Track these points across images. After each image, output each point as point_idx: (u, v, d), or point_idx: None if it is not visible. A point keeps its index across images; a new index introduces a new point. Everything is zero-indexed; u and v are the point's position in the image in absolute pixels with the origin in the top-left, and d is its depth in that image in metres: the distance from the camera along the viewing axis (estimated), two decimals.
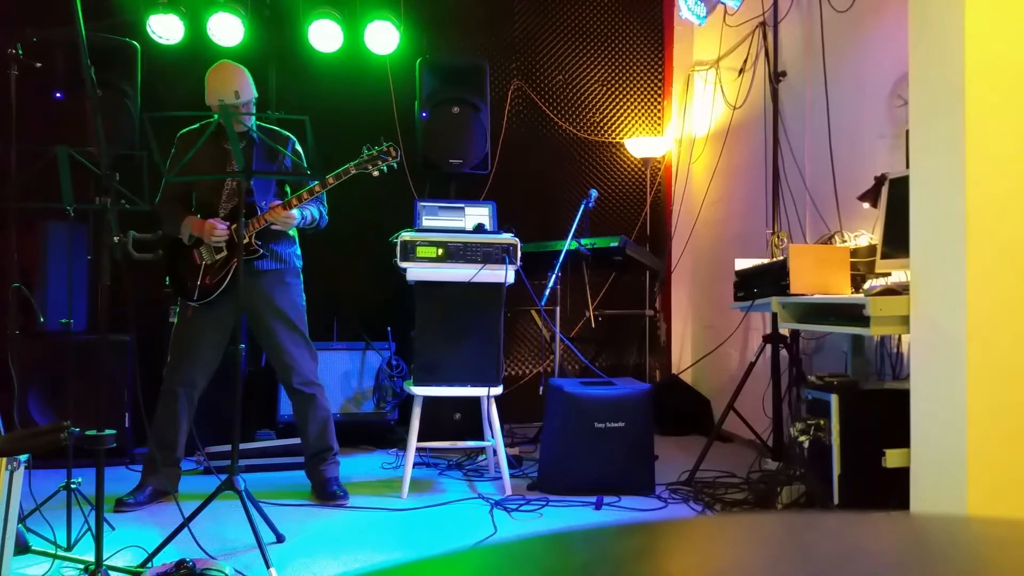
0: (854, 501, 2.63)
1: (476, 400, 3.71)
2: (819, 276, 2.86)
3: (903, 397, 2.33)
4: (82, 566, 2.43)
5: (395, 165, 3.27)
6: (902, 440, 2.32)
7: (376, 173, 3.25)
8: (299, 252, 3.45)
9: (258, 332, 3.37)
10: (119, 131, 4.04)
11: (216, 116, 3.03)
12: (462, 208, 4.02)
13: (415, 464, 3.55)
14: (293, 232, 3.42)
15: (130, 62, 4.20)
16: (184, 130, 3.29)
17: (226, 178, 3.26)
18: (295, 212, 3.22)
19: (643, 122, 5.52)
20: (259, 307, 3.30)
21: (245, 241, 3.17)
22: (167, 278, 3.35)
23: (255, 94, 3.35)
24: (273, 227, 3.26)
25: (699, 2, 4.54)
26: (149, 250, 3.44)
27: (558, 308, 4.38)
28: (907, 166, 2.64)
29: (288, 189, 3.39)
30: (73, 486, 2.69)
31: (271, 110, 4.41)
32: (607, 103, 5.47)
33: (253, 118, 3.33)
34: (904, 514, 0.53)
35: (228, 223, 3.23)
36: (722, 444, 4.32)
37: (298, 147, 3.37)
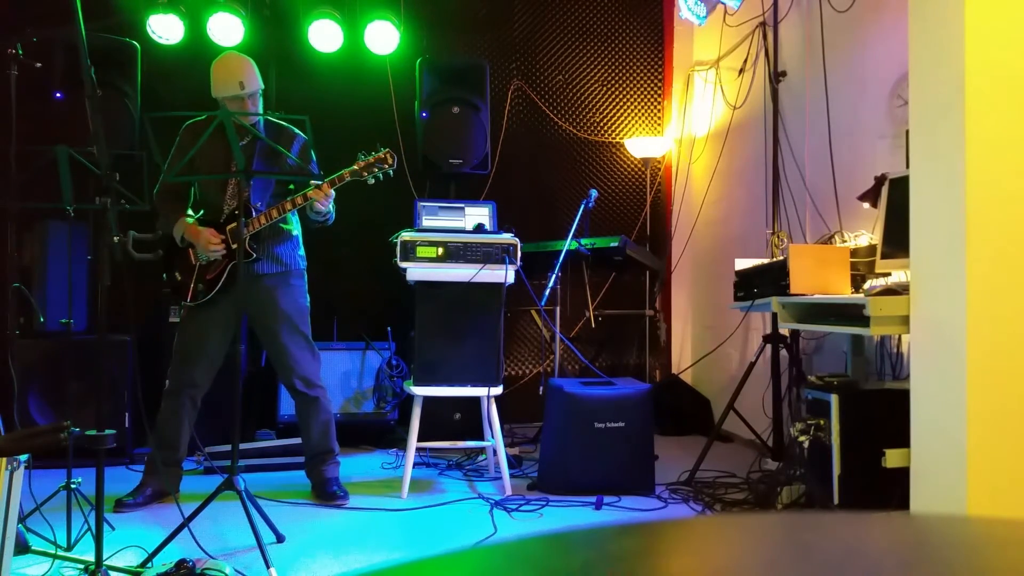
0: (854, 501, 2.63)
1: (476, 400, 3.71)
2: (819, 276, 2.86)
3: (903, 397, 2.33)
4: (82, 566, 2.43)
5: (391, 172, 3.25)
6: (902, 440, 2.32)
7: (372, 180, 3.23)
8: (303, 253, 3.44)
9: (261, 334, 3.36)
10: (119, 131, 4.04)
11: (223, 109, 3.01)
12: (462, 208, 4.02)
13: (415, 464, 3.55)
14: (297, 232, 3.41)
15: (130, 62, 4.20)
16: (191, 120, 3.25)
17: (225, 178, 3.25)
18: (332, 191, 3.19)
19: (643, 122, 5.52)
20: (262, 309, 3.29)
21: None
22: (164, 276, 3.34)
23: (262, 85, 3.33)
24: (313, 215, 3.24)
25: (699, 2, 4.54)
26: (149, 250, 3.44)
27: (558, 308, 4.38)
28: (907, 166, 2.64)
29: (292, 188, 3.38)
30: (73, 486, 2.69)
31: (271, 110, 4.41)
32: (607, 103, 5.47)
33: (260, 109, 3.32)
34: (904, 514, 0.53)
35: (224, 236, 3.20)
36: (722, 444, 4.33)
37: (308, 145, 3.36)
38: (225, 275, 3.20)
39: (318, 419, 3.36)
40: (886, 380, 3.18)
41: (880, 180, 2.99)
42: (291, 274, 3.35)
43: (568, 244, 4.04)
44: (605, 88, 5.46)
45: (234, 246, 3.15)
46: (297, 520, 3.07)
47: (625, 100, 5.51)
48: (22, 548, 2.47)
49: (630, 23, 5.51)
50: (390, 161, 3.22)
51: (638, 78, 5.53)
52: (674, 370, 5.46)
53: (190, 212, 3.32)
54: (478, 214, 3.97)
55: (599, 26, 5.46)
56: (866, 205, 3.21)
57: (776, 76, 4.07)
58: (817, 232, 3.78)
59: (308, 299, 3.41)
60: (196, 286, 3.22)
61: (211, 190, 3.29)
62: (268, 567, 2.44)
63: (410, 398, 3.48)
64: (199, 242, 3.18)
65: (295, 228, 3.41)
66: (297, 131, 3.35)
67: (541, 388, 3.81)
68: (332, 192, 3.19)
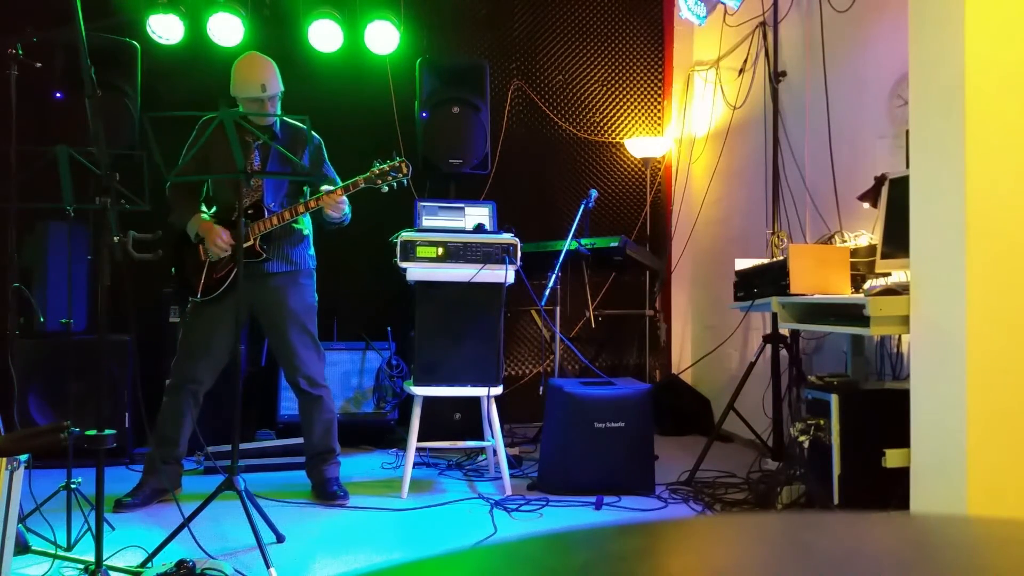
0: (854, 501, 2.63)
1: (476, 400, 3.71)
2: (819, 276, 2.86)
3: (903, 397, 2.33)
4: (82, 566, 2.43)
5: (405, 182, 3.27)
6: (902, 440, 2.32)
7: (385, 189, 3.25)
8: (313, 252, 3.45)
9: (268, 331, 3.38)
10: (119, 131, 4.04)
11: (240, 108, 3.01)
12: (462, 208, 4.02)
13: (415, 464, 3.55)
14: (308, 232, 3.42)
15: (130, 62, 4.20)
16: (206, 116, 3.25)
17: (230, 178, 3.24)
18: (345, 197, 3.21)
19: (643, 122, 5.52)
20: (271, 308, 3.30)
21: (249, 244, 3.17)
22: (173, 269, 3.36)
23: (282, 88, 3.35)
24: (328, 217, 3.25)
25: (699, 2, 4.54)
26: (149, 250, 3.44)
27: (558, 308, 4.38)
28: (907, 166, 2.64)
29: (307, 189, 3.38)
30: (73, 486, 2.69)
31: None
32: (607, 103, 5.47)
33: (279, 111, 3.32)
34: (904, 514, 0.53)
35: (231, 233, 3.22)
36: (722, 444, 4.33)
37: (324, 152, 3.39)
38: (233, 272, 3.21)
39: (320, 418, 3.37)
40: (886, 380, 3.18)
41: (880, 180, 2.99)
42: (300, 273, 3.36)
43: (568, 244, 4.04)
44: (605, 88, 5.46)
45: (246, 244, 3.15)
46: (297, 520, 3.07)
47: (625, 100, 5.51)
48: (22, 548, 2.47)
49: (630, 23, 5.51)
50: (404, 171, 3.25)
51: (638, 78, 5.53)
52: (674, 370, 5.46)
53: (203, 208, 3.33)
54: (478, 214, 3.97)
55: (599, 26, 5.45)
56: (866, 205, 3.21)
57: (776, 76, 4.07)
58: (817, 232, 3.78)
59: (316, 298, 3.42)
60: (206, 282, 3.23)
61: (224, 188, 3.30)
62: (268, 567, 2.44)
63: (410, 398, 3.48)
64: (210, 238, 3.19)
65: (306, 228, 3.42)
66: (308, 128, 3.32)
67: (541, 388, 3.81)
68: (344, 198, 3.20)
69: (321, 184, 3.28)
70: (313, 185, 3.32)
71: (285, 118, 3.38)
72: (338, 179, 3.38)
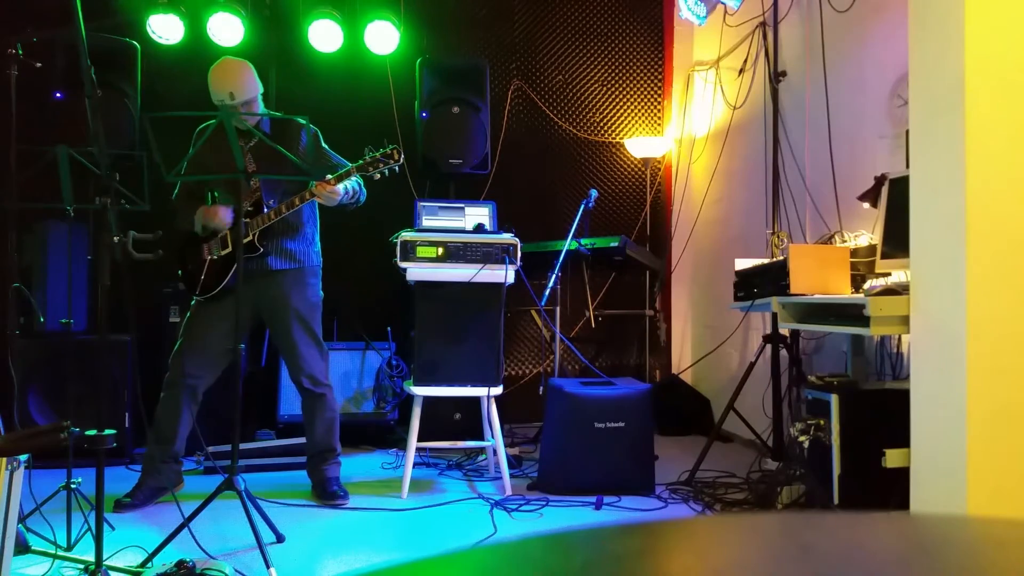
0: (854, 501, 2.63)
1: (476, 400, 3.71)
2: (819, 276, 2.86)
3: (903, 397, 2.33)
4: (82, 566, 2.43)
5: (397, 169, 3.24)
6: (902, 440, 2.32)
7: (378, 176, 3.23)
8: (318, 250, 3.44)
9: (273, 329, 3.39)
10: (119, 131, 4.04)
11: (224, 111, 3.02)
12: (462, 208, 4.02)
13: (415, 464, 3.55)
14: (312, 228, 3.41)
15: (130, 62, 4.20)
16: (202, 125, 3.22)
17: (225, 178, 3.24)
18: (339, 187, 3.18)
19: (643, 122, 5.52)
20: (276, 305, 3.30)
21: (248, 240, 3.17)
22: (180, 272, 3.38)
23: (260, 89, 3.33)
24: (332, 204, 3.25)
25: (699, 2, 4.54)
26: (149, 250, 3.44)
27: (558, 308, 4.38)
28: (907, 166, 2.64)
29: (313, 184, 3.38)
30: (73, 486, 2.69)
31: (271, 110, 4.41)
32: (607, 103, 5.47)
33: (261, 110, 3.32)
34: (904, 514, 0.53)
35: (232, 211, 3.23)
36: (722, 444, 4.33)
37: (321, 140, 3.39)
38: (232, 271, 3.21)
39: (323, 416, 3.37)
40: (886, 380, 3.18)
41: (880, 180, 2.99)
42: (305, 271, 3.36)
43: (568, 244, 4.04)
44: (605, 88, 5.46)
45: (245, 240, 3.14)
46: (297, 520, 3.07)
47: (625, 100, 5.51)
48: (22, 548, 2.47)
49: (630, 23, 5.51)
50: (396, 158, 3.19)
51: (638, 78, 5.53)
52: (674, 370, 5.46)
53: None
54: (478, 214, 3.97)
55: (599, 26, 5.46)
56: (866, 205, 3.21)
57: (776, 76, 4.07)
58: (817, 232, 3.78)
59: (321, 296, 3.42)
60: (206, 280, 3.24)
61: (227, 191, 3.30)
62: (268, 567, 2.44)
63: (410, 398, 3.48)
64: (209, 217, 3.21)
65: (310, 224, 3.40)
66: (304, 122, 3.31)
67: (541, 388, 3.81)
68: (340, 188, 3.18)
69: (322, 175, 3.27)
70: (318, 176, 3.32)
71: (273, 114, 3.37)
72: (345, 162, 3.36)
